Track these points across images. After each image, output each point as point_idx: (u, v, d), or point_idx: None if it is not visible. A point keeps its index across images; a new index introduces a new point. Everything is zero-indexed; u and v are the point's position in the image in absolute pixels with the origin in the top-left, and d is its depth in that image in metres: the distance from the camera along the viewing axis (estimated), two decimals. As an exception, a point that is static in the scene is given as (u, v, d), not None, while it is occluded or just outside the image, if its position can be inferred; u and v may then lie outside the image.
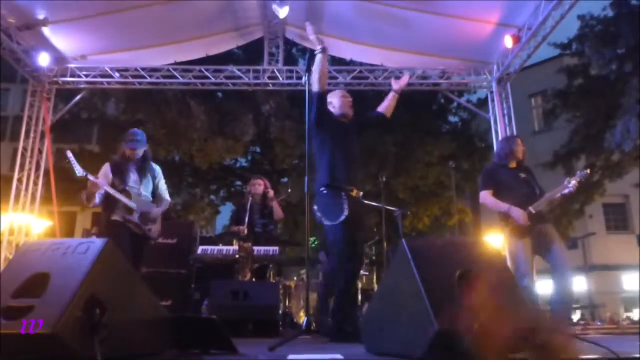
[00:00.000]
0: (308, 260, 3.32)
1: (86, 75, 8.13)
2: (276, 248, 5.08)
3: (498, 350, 1.57)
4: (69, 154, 4.01)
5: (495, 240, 7.68)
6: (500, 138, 7.79)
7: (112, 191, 3.91)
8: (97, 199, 3.96)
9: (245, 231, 5.17)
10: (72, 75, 8.08)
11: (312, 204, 3.46)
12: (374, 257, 9.79)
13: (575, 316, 15.19)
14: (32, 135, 7.97)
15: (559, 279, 3.82)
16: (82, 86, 8.35)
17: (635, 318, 15.87)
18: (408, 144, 13.78)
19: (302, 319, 5.03)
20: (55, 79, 8.04)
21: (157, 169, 4.33)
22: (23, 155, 7.91)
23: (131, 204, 3.96)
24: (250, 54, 11.43)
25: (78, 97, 8.68)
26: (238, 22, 8.00)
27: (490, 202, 4.10)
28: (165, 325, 2.12)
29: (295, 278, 7.87)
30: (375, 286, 7.59)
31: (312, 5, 7.39)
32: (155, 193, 4.25)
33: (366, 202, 4.40)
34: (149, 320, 2.02)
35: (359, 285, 5.92)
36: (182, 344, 2.24)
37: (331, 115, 3.74)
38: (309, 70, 3.43)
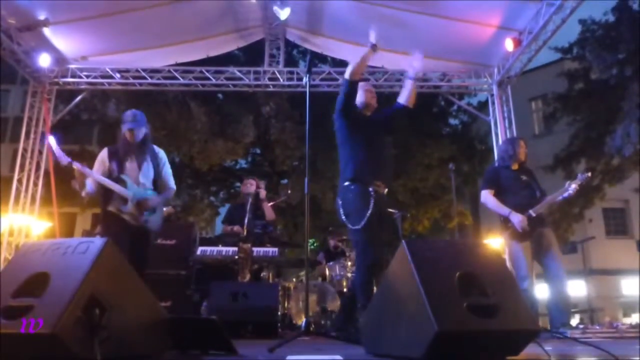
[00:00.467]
0: (307, 261, 3.32)
1: (87, 76, 8.13)
2: (275, 249, 5.06)
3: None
4: (51, 141, 3.74)
5: (495, 243, 7.67)
6: (500, 141, 7.80)
7: (102, 180, 3.60)
8: (89, 187, 3.65)
9: (244, 232, 5.16)
10: (72, 76, 8.09)
11: (336, 198, 3.38)
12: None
13: (574, 320, 15.15)
14: (32, 136, 7.98)
15: (555, 285, 3.84)
16: (82, 87, 8.37)
17: (634, 323, 15.83)
18: (408, 146, 13.76)
19: (301, 320, 5.03)
20: (55, 79, 8.05)
21: (161, 153, 3.99)
22: (23, 156, 7.91)
23: (125, 192, 3.62)
24: (251, 55, 11.46)
25: (79, 98, 8.70)
26: (239, 23, 8.04)
27: (491, 203, 4.11)
28: (164, 326, 2.11)
29: (294, 279, 7.87)
30: (375, 288, 7.56)
31: (312, 7, 7.41)
32: (158, 180, 3.89)
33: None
34: (148, 321, 2.02)
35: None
36: (182, 345, 2.24)
37: (356, 107, 3.62)
38: (309, 71, 3.39)
